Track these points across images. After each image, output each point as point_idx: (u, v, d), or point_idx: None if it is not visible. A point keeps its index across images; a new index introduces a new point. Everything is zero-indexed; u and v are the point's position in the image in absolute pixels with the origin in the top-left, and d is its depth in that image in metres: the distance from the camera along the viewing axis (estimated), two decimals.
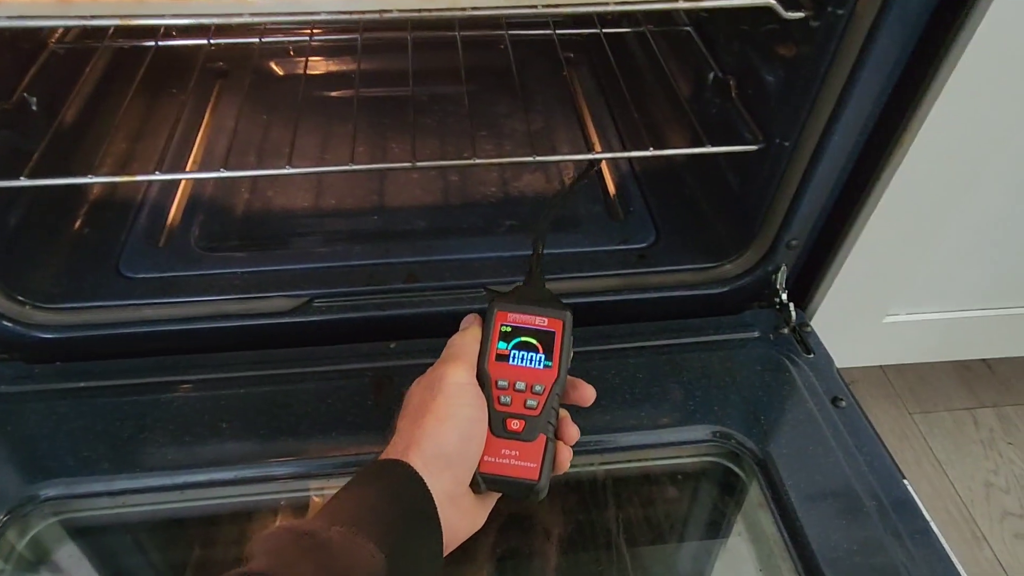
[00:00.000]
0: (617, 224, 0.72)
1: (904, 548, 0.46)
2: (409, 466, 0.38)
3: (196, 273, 0.64)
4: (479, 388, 0.43)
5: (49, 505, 0.47)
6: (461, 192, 0.76)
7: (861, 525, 0.47)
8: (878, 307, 0.70)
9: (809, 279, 0.67)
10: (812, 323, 0.65)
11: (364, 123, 0.83)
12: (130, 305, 0.61)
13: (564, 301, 0.47)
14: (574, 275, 0.65)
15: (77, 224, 0.68)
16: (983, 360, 0.90)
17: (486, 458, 0.42)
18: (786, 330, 0.63)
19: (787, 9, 0.49)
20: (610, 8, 0.47)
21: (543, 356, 0.44)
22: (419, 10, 0.45)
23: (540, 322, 0.45)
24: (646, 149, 0.65)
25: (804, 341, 0.62)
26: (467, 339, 0.45)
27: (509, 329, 0.45)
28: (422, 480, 0.37)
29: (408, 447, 0.39)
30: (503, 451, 0.42)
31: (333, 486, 0.52)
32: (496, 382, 0.44)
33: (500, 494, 0.44)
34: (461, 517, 0.41)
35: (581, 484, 0.54)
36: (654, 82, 0.84)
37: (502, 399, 0.43)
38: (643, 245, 0.69)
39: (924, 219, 0.61)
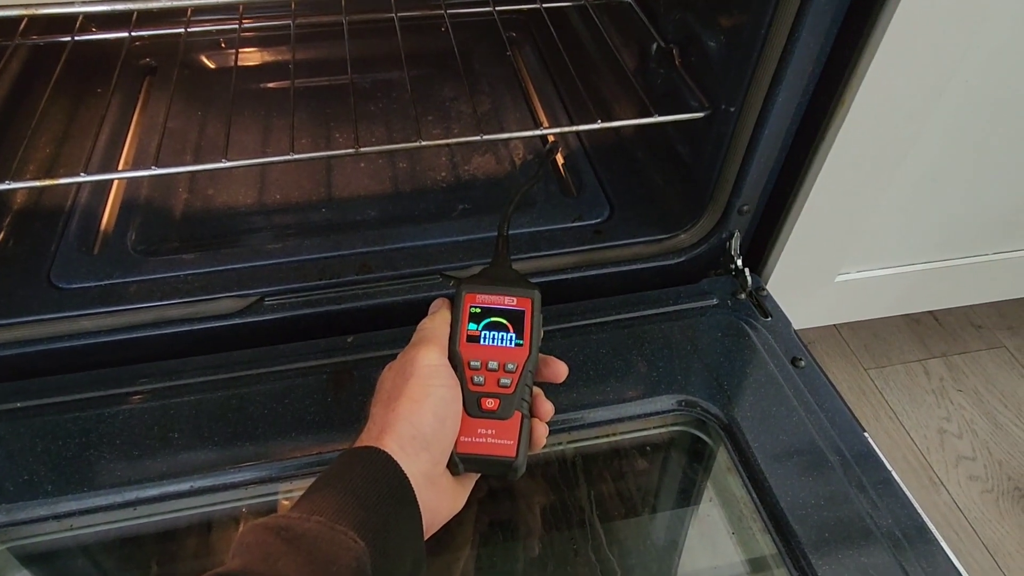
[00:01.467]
0: (571, 201, 0.71)
1: (868, 498, 0.47)
2: (384, 451, 0.37)
3: (136, 279, 0.61)
4: (452, 369, 0.43)
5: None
6: (411, 179, 0.74)
7: (826, 480, 0.48)
8: (829, 267, 0.72)
9: (762, 244, 0.68)
10: (768, 287, 0.66)
11: (304, 114, 0.80)
12: (65, 317, 0.58)
13: (532, 284, 0.47)
14: (532, 255, 0.64)
15: (2, 235, 0.64)
16: (930, 312, 0.93)
17: (462, 438, 0.42)
18: (743, 295, 0.63)
19: None
20: None
21: (514, 335, 0.45)
22: None
23: (509, 301, 0.45)
24: (594, 122, 0.64)
25: (761, 305, 0.63)
26: (437, 322, 0.45)
27: (479, 310, 0.45)
28: (398, 464, 0.37)
29: (383, 431, 0.38)
30: (479, 431, 0.42)
31: (298, 487, 0.50)
32: (468, 363, 0.44)
33: (479, 474, 0.44)
34: (441, 498, 0.41)
35: (551, 464, 0.53)
36: (598, 56, 0.83)
37: (475, 379, 0.43)
38: (598, 220, 0.68)
39: (867, 178, 0.62)
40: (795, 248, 0.66)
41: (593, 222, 0.68)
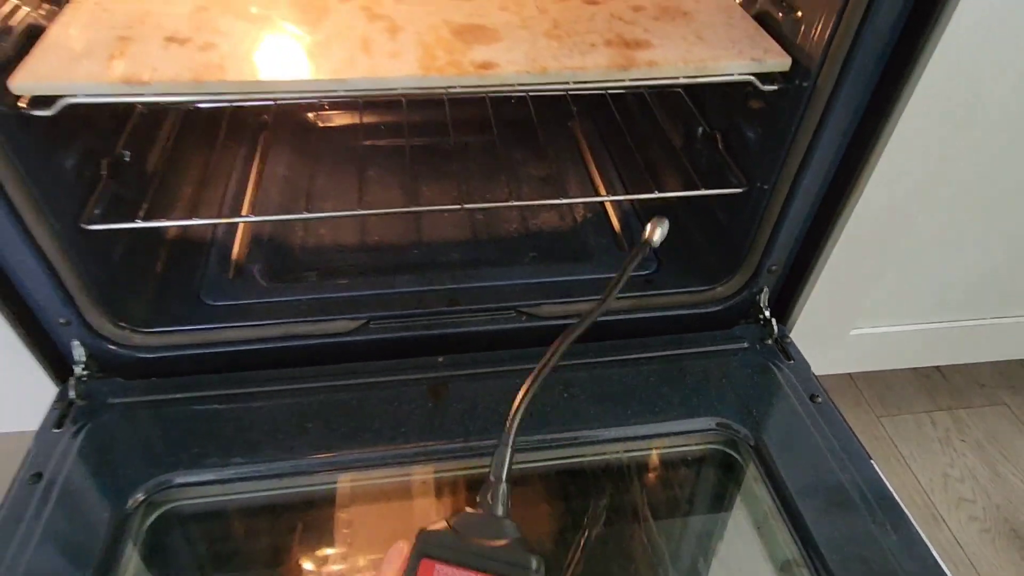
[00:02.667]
0: (625, 255, 0.84)
1: (870, 507, 0.58)
2: None
3: (265, 300, 0.74)
4: None
5: (175, 491, 0.56)
6: (487, 227, 0.87)
7: (837, 491, 0.59)
8: (845, 322, 0.83)
9: (787, 298, 0.80)
10: (791, 335, 0.77)
11: (394, 168, 0.94)
12: (212, 328, 0.71)
13: (532, 548, 0.32)
14: (590, 298, 0.77)
15: (163, 259, 0.77)
16: (938, 368, 1.03)
17: None
18: (770, 341, 0.75)
19: (763, 83, 0.62)
20: (625, 84, 0.60)
21: None
22: (481, 87, 0.57)
23: None
24: (649, 192, 0.77)
25: (785, 350, 0.74)
26: None
27: None
28: None
29: None
30: None
31: (415, 473, 0.61)
32: None
33: None
34: None
35: (610, 469, 0.64)
36: (650, 132, 0.97)
37: None
38: (648, 272, 0.80)
39: (881, 245, 0.74)
40: (815, 304, 0.77)
41: (644, 273, 0.80)
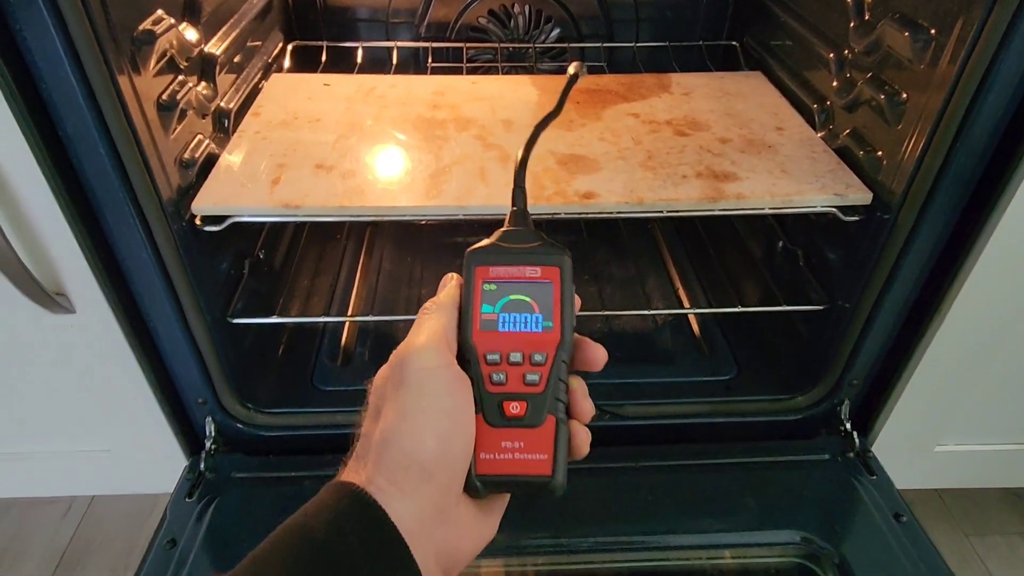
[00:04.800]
0: (704, 358, 0.87)
1: None
2: (363, 493, 0.31)
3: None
4: (456, 368, 0.35)
5: None
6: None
7: None
8: (930, 438, 0.83)
9: (869, 411, 0.81)
10: (873, 449, 0.78)
11: None
12: (323, 412, 0.78)
13: (561, 245, 0.38)
14: (672, 400, 0.80)
15: (283, 346, 0.86)
16: None
17: (481, 455, 0.34)
18: (851, 454, 0.76)
19: (845, 215, 0.66)
20: (714, 213, 0.65)
21: (540, 316, 0.36)
22: (584, 214, 0.64)
23: (531, 272, 0.37)
24: (731, 302, 0.81)
25: (867, 464, 0.75)
26: (440, 306, 0.37)
27: (493, 287, 0.37)
28: (382, 512, 0.30)
29: (367, 462, 0.32)
30: (503, 443, 0.34)
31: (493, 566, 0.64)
32: (485, 356, 0.36)
33: (508, 494, 0.37)
34: (461, 534, 0.34)
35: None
36: (730, 240, 1.02)
37: (494, 377, 0.35)
38: (728, 377, 0.84)
39: (966, 366, 0.75)
40: (899, 419, 0.78)
41: (724, 378, 0.84)
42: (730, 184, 0.66)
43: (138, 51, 0.55)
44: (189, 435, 0.77)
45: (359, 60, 0.97)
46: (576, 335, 0.37)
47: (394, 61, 0.98)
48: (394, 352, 0.35)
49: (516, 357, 0.36)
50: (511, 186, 0.41)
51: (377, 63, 1.01)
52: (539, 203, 0.63)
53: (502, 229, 0.39)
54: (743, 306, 0.91)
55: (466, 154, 0.70)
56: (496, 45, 1.02)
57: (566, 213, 0.64)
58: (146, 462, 0.80)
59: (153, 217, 0.58)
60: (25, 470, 0.84)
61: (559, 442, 0.35)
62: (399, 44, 1.00)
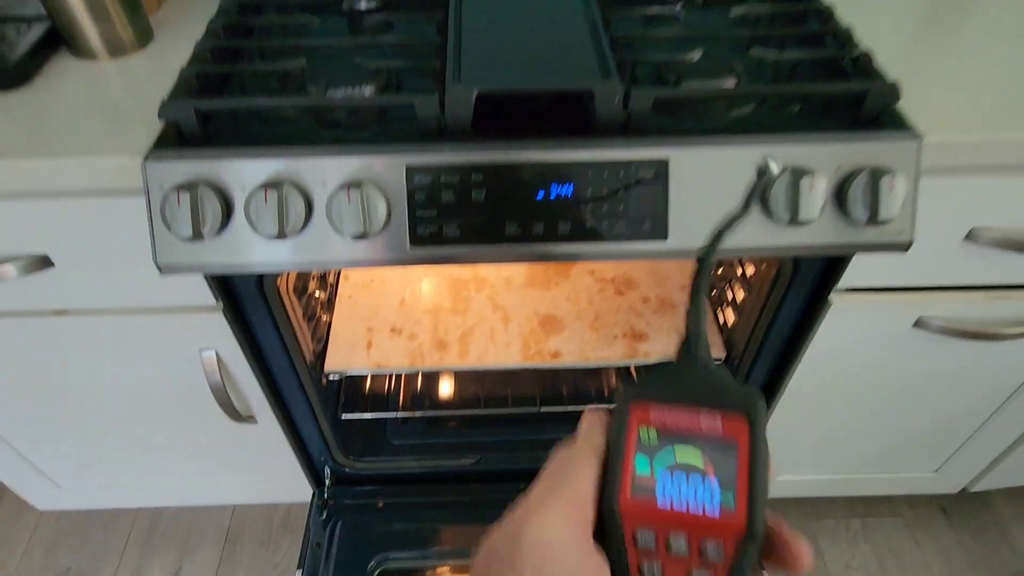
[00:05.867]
0: None
1: None
2: None
3: (425, 441, 1.28)
4: (591, 550, 0.27)
5: (391, 561, 1.11)
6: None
7: None
8: (776, 471, 1.30)
9: None
10: None
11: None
12: (395, 460, 1.26)
13: (752, 388, 0.30)
14: None
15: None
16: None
17: None
18: None
19: None
20: (630, 364, 1.08)
21: (718, 487, 0.27)
22: (552, 368, 1.08)
23: (709, 424, 0.28)
24: None
25: None
26: (577, 455, 0.29)
27: (654, 437, 0.28)
28: None
29: None
30: None
31: None
32: (635, 536, 0.27)
33: None
34: None
35: None
36: None
37: (646, 569, 0.27)
38: None
39: (792, 430, 1.20)
40: None
41: None
42: (642, 344, 1.09)
43: (300, 301, 0.98)
44: (313, 473, 1.24)
45: None
46: (770, 520, 0.27)
47: None
48: (507, 512, 0.28)
49: (679, 545, 0.26)
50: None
51: None
52: (525, 361, 1.07)
53: (672, 362, 0.31)
54: None
55: (482, 316, 1.13)
56: None
57: (534, 367, 1.08)
58: (285, 486, 1.29)
59: (303, 374, 1.02)
60: (214, 488, 1.33)
61: None
62: None
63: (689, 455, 0.27)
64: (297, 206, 0.65)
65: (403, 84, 0.76)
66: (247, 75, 0.77)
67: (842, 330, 0.93)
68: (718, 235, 0.33)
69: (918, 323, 0.92)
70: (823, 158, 0.68)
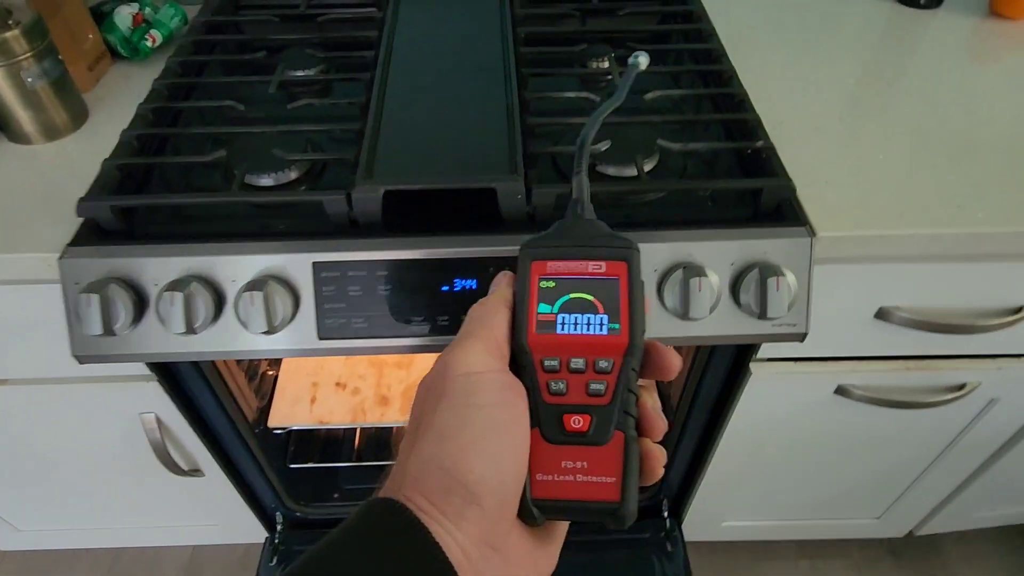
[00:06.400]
0: None
1: None
2: (404, 509, 0.27)
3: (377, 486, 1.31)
4: (508, 375, 0.31)
5: None
6: None
7: None
8: (720, 517, 1.32)
9: (681, 503, 1.29)
10: (683, 527, 1.28)
11: None
12: (348, 505, 1.28)
13: (628, 238, 0.35)
14: None
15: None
16: None
17: (538, 476, 0.31)
18: (662, 534, 1.25)
19: None
20: None
21: (605, 316, 0.33)
22: None
23: (595, 268, 0.34)
24: None
25: (671, 539, 1.24)
26: (491, 305, 0.34)
27: (552, 284, 0.34)
28: (429, 535, 0.26)
29: (405, 482, 0.28)
30: (563, 463, 0.31)
31: None
32: (542, 362, 0.32)
33: (568, 522, 0.33)
34: (513, 568, 0.29)
35: None
36: None
37: (553, 386, 0.32)
38: None
39: (731, 482, 1.22)
40: (698, 506, 1.27)
41: None
42: None
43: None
44: (265, 520, 1.27)
45: None
46: (646, 339, 0.33)
47: None
48: (437, 357, 0.31)
49: (578, 363, 0.32)
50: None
51: None
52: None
53: (561, 220, 0.36)
54: None
55: (426, 371, 1.15)
56: None
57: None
58: (241, 530, 1.32)
59: (245, 430, 1.05)
60: (172, 532, 1.36)
61: (629, 463, 0.31)
62: None
63: (581, 295, 0.33)
64: (206, 303, 0.68)
65: (326, 170, 0.78)
66: (169, 166, 0.79)
67: (765, 397, 0.95)
68: (595, 118, 0.42)
69: (839, 390, 0.94)
70: (718, 255, 0.70)
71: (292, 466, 1.19)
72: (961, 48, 1.00)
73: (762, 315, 0.69)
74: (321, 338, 0.71)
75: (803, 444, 1.08)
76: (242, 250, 0.69)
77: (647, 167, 0.77)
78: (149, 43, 0.93)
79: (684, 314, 0.68)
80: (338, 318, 0.71)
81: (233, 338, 0.70)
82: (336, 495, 1.29)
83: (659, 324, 0.71)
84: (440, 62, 0.87)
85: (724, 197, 0.75)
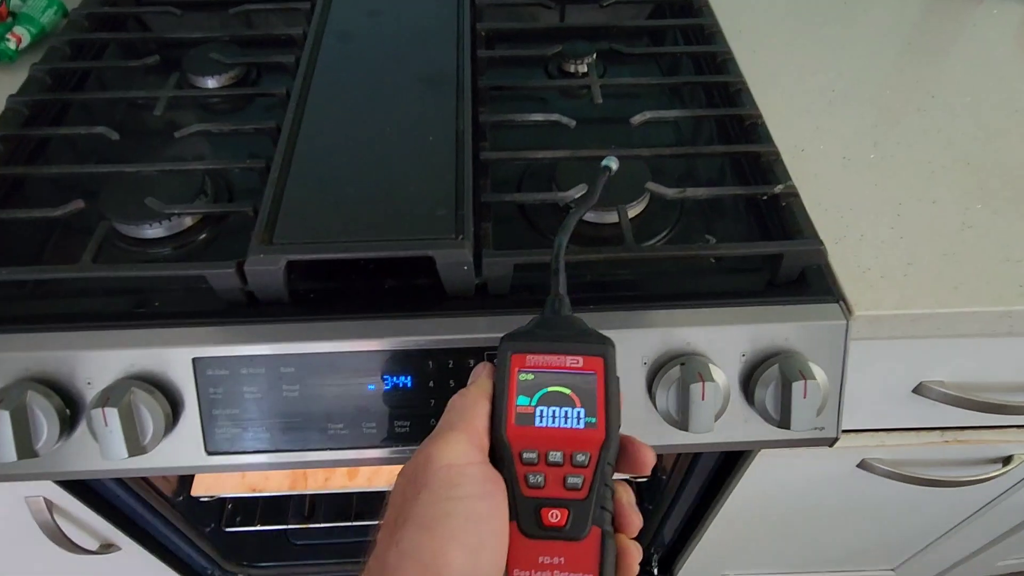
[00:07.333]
0: None
1: None
2: None
3: (330, 542, 1.16)
4: (488, 467, 0.32)
5: None
6: None
7: None
8: (720, 567, 1.19)
9: (673, 558, 1.16)
10: None
11: None
12: (299, 564, 1.13)
13: (603, 335, 0.37)
14: None
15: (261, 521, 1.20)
16: None
17: (516, 572, 0.31)
18: None
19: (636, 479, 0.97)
20: None
21: (582, 410, 0.34)
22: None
23: (573, 362, 0.35)
24: None
25: None
26: (470, 398, 0.34)
27: (531, 376, 0.35)
28: None
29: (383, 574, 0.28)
30: (540, 558, 0.31)
31: None
32: (520, 455, 0.33)
33: None
34: None
35: None
36: None
37: (531, 479, 0.32)
38: None
39: (737, 538, 1.08)
40: (693, 564, 1.13)
41: None
42: None
43: None
44: None
45: None
46: (623, 436, 0.34)
47: None
48: (417, 449, 0.32)
49: (556, 456, 0.32)
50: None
51: None
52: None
53: (539, 316, 0.38)
54: None
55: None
56: None
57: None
58: None
59: (160, 504, 0.89)
60: None
61: (605, 559, 0.31)
62: None
63: (559, 388, 0.35)
64: (49, 418, 0.51)
65: (231, 216, 0.61)
66: (9, 223, 0.61)
67: (773, 471, 0.80)
68: (568, 222, 0.42)
69: (862, 464, 0.79)
70: (725, 343, 0.54)
71: (229, 530, 1.04)
72: (1013, 46, 0.82)
73: (783, 424, 0.52)
74: (210, 452, 0.54)
75: (816, 513, 0.93)
76: (98, 342, 0.52)
77: (632, 213, 0.60)
78: (13, 44, 0.74)
79: (682, 424, 0.52)
80: (231, 427, 0.54)
81: (91, 458, 0.53)
82: (286, 554, 1.14)
83: (648, 429, 0.55)
84: (377, 70, 0.68)
85: (732, 257, 0.58)
